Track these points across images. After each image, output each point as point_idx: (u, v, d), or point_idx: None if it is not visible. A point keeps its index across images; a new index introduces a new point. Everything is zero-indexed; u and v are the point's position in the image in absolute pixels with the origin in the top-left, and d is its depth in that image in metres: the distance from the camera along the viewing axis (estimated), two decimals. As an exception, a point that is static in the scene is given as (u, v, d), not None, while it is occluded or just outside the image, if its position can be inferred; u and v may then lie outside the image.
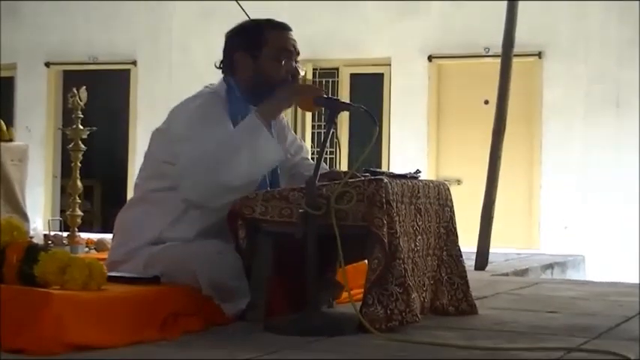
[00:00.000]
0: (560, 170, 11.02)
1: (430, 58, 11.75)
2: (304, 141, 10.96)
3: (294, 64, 3.98)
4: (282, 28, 4.03)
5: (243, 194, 3.64)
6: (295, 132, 11.41)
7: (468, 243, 5.52)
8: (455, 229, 4.07)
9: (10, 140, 7.35)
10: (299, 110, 11.34)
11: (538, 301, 4.80)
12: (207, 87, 4.05)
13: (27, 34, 13.44)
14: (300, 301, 3.64)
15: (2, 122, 7.36)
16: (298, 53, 4.03)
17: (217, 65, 4.07)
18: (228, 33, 4.10)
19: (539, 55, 11.21)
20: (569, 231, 10.84)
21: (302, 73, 4.06)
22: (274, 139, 3.83)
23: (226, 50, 4.06)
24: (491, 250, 7.31)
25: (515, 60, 7.51)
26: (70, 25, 13.28)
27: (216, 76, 4.12)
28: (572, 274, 9.29)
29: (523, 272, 7.69)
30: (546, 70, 11.26)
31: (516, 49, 7.53)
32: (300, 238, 3.48)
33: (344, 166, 11.15)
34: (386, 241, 3.43)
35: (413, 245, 3.69)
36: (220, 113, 3.86)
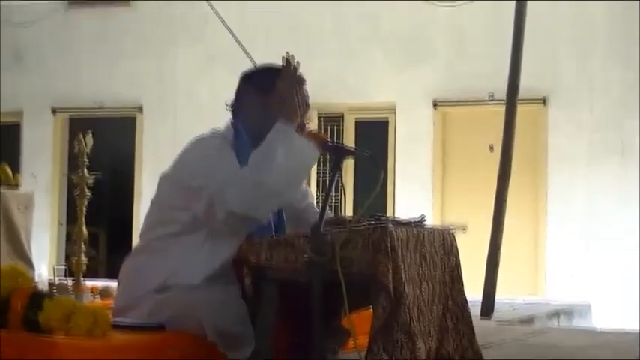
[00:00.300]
0: (564, 219, 11.00)
1: (435, 104, 11.79)
2: (309, 187, 10.98)
3: (302, 116, 3.99)
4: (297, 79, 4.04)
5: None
6: (300, 178, 11.44)
7: (473, 290, 5.51)
8: (460, 276, 4.05)
9: (16, 187, 7.36)
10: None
11: (545, 349, 4.78)
12: (213, 131, 4.05)
13: (33, 80, 13.51)
14: (304, 348, 3.63)
15: (8, 169, 7.38)
16: (308, 106, 4.03)
17: (228, 106, 4.08)
18: (242, 74, 4.12)
19: (544, 101, 11.24)
20: (574, 279, 10.80)
21: (308, 126, 4.06)
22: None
23: (238, 92, 4.08)
24: (496, 298, 7.28)
25: (519, 106, 7.53)
26: (76, 71, 13.36)
27: (221, 120, 4.13)
28: (578, 322, 9.25)
29: (529, 320, 7.65)
30: (550, 116, 11.29)
31: (521, 95, 7.56)
32: (305, 284, 3.47)
33: (349, 212, 11.15)
34: (391, 287, 3.42)
35: (418, 292, 3.67)
36: (230, 152, 3.86)
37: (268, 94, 3.96)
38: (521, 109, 7.69)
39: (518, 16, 7.61)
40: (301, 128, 3.97)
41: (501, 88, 7.84)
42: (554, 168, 11.15)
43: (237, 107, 4.06)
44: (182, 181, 3.86)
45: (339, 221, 3.89)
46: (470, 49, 11.59)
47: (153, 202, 4.05)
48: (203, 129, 4.11)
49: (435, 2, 11.61)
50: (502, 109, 7.67)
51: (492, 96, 11.16)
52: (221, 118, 4.16)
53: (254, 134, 3.97)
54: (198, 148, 3.92)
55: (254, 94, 4.00)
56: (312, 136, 3.89)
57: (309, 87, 4.05)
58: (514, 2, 7.73)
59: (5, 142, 13.72)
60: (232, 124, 4.04)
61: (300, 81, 4.03)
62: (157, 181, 4.03)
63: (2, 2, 13.47)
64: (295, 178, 3.78)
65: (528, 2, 7.71)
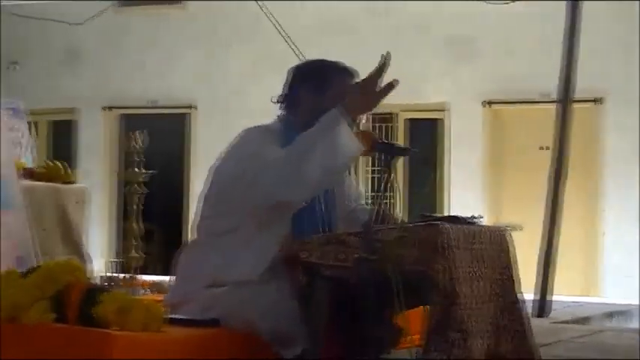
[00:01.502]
0: (619, 219, 10.91)
1: (486, 103, 11.74)
2: (360, 186, 10.98)
3: None
4: (350, 74, 4.05)
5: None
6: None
7: (528, 290, 5.48)
8: (514, 275, 4.03)
9: (72, 182, 7.43)
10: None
11: (600, 350, 4.74)
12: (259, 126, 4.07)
13: (88, 79, 13.65)
14: (357, 347, 3.63)
15: (63, 165, 7.44)
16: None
17: (276, 100, 4.08)
18: (295, 68, 4.12)
19: (599, 101, 11.15)
20: (630, 279, 10.70)
21: (363, 121, 4.06)
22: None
23: (292, 85, 4.07)
24: (551, 298, 7.24)
25: (573, 106, 7.48)
26: (129, 70, 13.47)
27: (271, 118, 4.14)
28: (635, 323, 9.15)
29: (584, 320, 7.59)
30: (604, 116, 11.19)
31: (575, 95, 7.50)
32: (356, 282, 3.47)
33: (401, 212, 11.14)
34: (444, 286, 3.41)
35: (472, 291, 3.66)
36: (274, 142, 3.87)
37: (321, 92, 3.98)
38: (574, 110, 7.63)
39: (571, 15, 7.56)
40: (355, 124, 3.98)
41: (554, 88, 7.79)
42: (609, 168, 11.07)
43: (288, 101, 4.06)
44: (228, 172, 3.89)
45: (388, 219, 3.90)
46: (522, 48, 11.53)
47: (204, 197, 4.07)
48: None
49: (488, 1, 11.56)
50: (554, 108, 7.62)
51: (545, 96, 11.09)
52: (271, 117, 4.17)
53: (304, 127, 3.98)
54: (244, 137, 3.94)
55: (307, 89, 4.01)
56: (362, 134, 3.90)
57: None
58: (567, 1, 7.68)
59: (60, 139, 13.87)
60: (280, 117, 4.05)
61: (351, 74, 4.04)
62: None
63: (57, 1, 13.61)
64: (333, 170, 3.72)
65: (582, 1, 7.65)
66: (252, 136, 3.93)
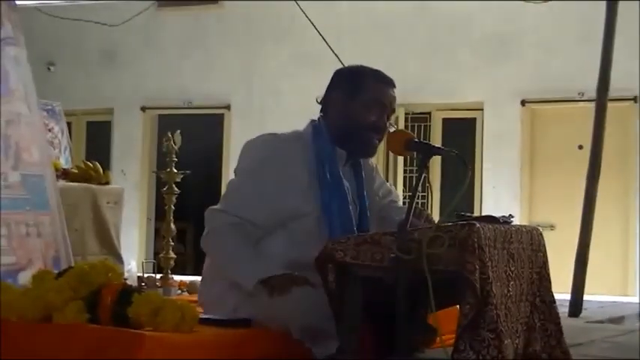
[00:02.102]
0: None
1: (523, 102, 11.69)
2: (395, 186, 10.96)
3: (384, 116, 4.02)
4: (385, 82, 4.06)
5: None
6: (387, 176, 11.46)
7: (561, 289, 5.45)
8: (548, 274, 4.01)
9: (107, 183, 7.47)
10: (391, 155, 11.35)
11: (634, 350, 4.70)
12: (293, 131, 4.10)
13: (124, 79, 13.71)
14: (389, 347, 3.62)
15: (98, 165, 7.49)
16: (393, 111, 4.07)
17: (318, 101, 4.11)
18: (336, 72, 4.17)
19: (635, 99, 11.08)
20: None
21: (391, 129, 4.07)
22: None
23: (328, 87, 4.12)
24: (585, 297, 7.20)
25: (609, 104, 7.43)
26: (166, 70, 13.52)
27: (306, 119, 4.16)
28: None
29: (619, 320, 7.53)
30: (642, 114, 11.12)
31: (611, 94, 7.45)
32: (391, 282, 3.46)
33: (436, 211, 11.11)
34: (478, 286, 3.39)
35: (505, 291, 3.64)
36: (280, 156, 3.92)
37: (353, 97, 4.00)
38: (611, 108, 7.57)
39: (609, 14, 7.50)
40: (378, 130, 3.99)
41: (591, 87, 7.73)
42: (645, 167, 10.99)
43: (324, 103, 4.09)
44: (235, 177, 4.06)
45: (422, 217, 3.89)
46: (559, 47, 11.47)
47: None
48: (288, 127, 4.14)
49: (526, 0, 11.50)
50: (592, 107, 7.57)
51: (582, 95, 11.03)
52: (306, 117, 4.18)
53: (335, 132, 4.01)
54: (255, 144, 4.09)
55: (340, 94, 4.04)
56: (398, 133, 3.89)
57: (398, 85, 4.06)
58: (606, 0, 7.62)
59: (96, 140, 13.95)
60: (314, 121, 4.08)
61: (387, 82, 4.06)
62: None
63: (93, 2, 13.69)
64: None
65: (619, 0, 7.59)
66: (258, 150, 4.05)
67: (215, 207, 3.99)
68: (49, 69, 13.97)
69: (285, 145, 3.96)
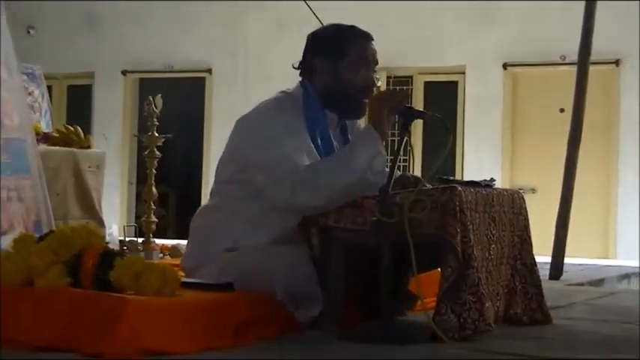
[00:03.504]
0: (636, 179, 10.88)
1: (505, 66, 11.69)
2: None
3: (371, 74, 4.00)
4: (364, 37, 4.03)
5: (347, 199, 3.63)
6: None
7: (542, 252, 5.47)
8: (529, 238, 4.03)
9: (88, 147, 7.44)
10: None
11: (614, 312, 4.73)
12: (282, 92, 4.06)
13: (105, 43, 13.63)
14: (371, 310, 3.64)
15: (80, 129, 7.45)
16: (377, 63, 4.04)
17: (295, 66, 4.08)
18: (310, 36, 4.11)
19: (617, 63, 11.09)
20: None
21: (378, 84, 4.07)
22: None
23: (306, 53, 4.07)
24: (566, 260, 7.23)
25: (592, 68, 7.43)
26: (147, 34, 13.45)
27: (290, 84, 4.13)
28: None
29: (599, 282, 7.58)
30: (623, 78, 11.13)
31: (593, 57, 7.44)
32: (373, 245, 3.47)
33: (418, 175, 11.11)
34: (459, 249, 3.41)
35: (487, 254, 3.66)
36: (292, 119, 3.87)
37: (337, 60, 3.97)
38: (593, 72, 7.57)
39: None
40: (369, 87, 3.97)
41: (573, 50, 7.72)
42: (627, 131, 11.01)
43: (305, 68, 4.06)
44: (244, 151, 3.88)
45: (404, 180, 3.90)
46: (541, 11, 11.45)
47: (222, 161, 4.07)
48: (272, 91, 4.11)
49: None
50: (574, 71, 7.56)
51: (564, 58, 11.04)
52: (290, 81, 4.16)
53: (324, 95, 3.98)
54: (262, 113, 3.93)
55: (323, 60, 4.00)
56: (388, 93, 3.89)
57: (379, 49, 4.04)
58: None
59: (77, 103, 13.88)
60: (302, 83, 4.05)
61: (366, 37, 4.03)
62: (225, 142, 4.05)
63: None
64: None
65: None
66: (271, 113, 3.90)
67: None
68: (29, 32, 13.87)
69: (286, 107, 3.91)
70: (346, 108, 4.01)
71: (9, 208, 4.80)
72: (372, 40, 4.04)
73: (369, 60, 4.00)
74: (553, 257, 7.14)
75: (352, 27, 4.06)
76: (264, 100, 4.01)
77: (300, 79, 4.07)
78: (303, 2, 9.46)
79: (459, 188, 3.50)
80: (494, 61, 11.72)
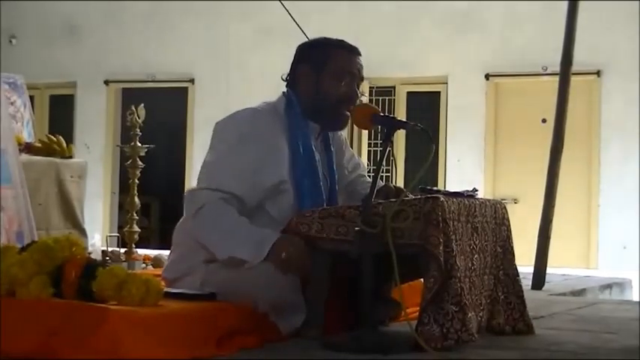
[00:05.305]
0: (618, 189, 10.92)
1: (487, 76, 11.72)
2: (360, 158, 10.96)
3: (354, 87, 4.00)
4: (350, 51, 4.04)
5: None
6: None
7: (524, 262, 5.48)
8: (512, 248, 4.04)
9: (70, 157, 7.43)
10: (355, 128, 11.35)
11: (596, 322, 4.75)
12: (264, 102, 4.07)
13: (87, 53, 13.61)
14: (354, 319, 3.64)
15: (62, 139, 7.44)
16: (362, 79, 4.04)
17: (284, 78, 4.09)
18: (299, 46, 4.14)
19: (598, 73, 11.14)
20: (628, 251, 10.72)
21: (363, 100, 4.07)
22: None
23: (294, 63, 4.09)
24: (548, 270, 7.25)
25: (573, 78, 7.46)
26: (129, 43, 13.43)
27: (272, 92, 4.14)
28: (631, 295, 9.17)
29: (580, 292, 7.60)
30: (605, 88, 11.17)
31: (575, 68, 7.48)
32: (355, 255, 3.47)
33: (400, 185, 11.12)
34: (442, 259, 3.42)
35: (469, 264, 3.67)
36: (268, 131, 3.87)
37: (320, 69, 3.98)
38: (575, 82, 7.60)
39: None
40: (350, 100, 3.98)
41: (555, 61, 7.76)
42: (608, 141, 11.05)
43: (291, 79, 4.07)
44: (212, 155, 3.91)
45: (387, 190, 3.90)
46: (523, 21, 11.49)
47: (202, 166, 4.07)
48: (254, 100, 4.12)
49: (489, -27, 11.51)
50: (555, 81, 7.59)
51: (546, 69, 11.08)
52: (272, 90, 4.17)
53: (306, 106, 3.99)
54: (237, 120, 3.94)
55: (308, 68, 4.01)
56: (362, 108, 3.90)
57: (362, 59, 4.05)
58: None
59: (59, 113, 13.85)
60: (285, 94, 4.06)
61: (352, 50, 4.04)
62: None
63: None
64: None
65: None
66: (240, 124, 3.92)
67: (195, 187, 3.87)
68: (10, 42, 13.84)
69: (262, 119, 3.90)
70: (326, 118, 4.01)
71: (-9, 218, 4.79)
72: (359, 55, 4.04)
73: (352, 72, 4.00)
74: (535, 267, 7.16)
75: (340, 41, 4.08)
76: (244, 108, 4.00)
77: (284, 89, 4.08)
78: (286, 13, 9.47)
79: (442, 198, 3.51)
80: (476, 71, 11.75)
